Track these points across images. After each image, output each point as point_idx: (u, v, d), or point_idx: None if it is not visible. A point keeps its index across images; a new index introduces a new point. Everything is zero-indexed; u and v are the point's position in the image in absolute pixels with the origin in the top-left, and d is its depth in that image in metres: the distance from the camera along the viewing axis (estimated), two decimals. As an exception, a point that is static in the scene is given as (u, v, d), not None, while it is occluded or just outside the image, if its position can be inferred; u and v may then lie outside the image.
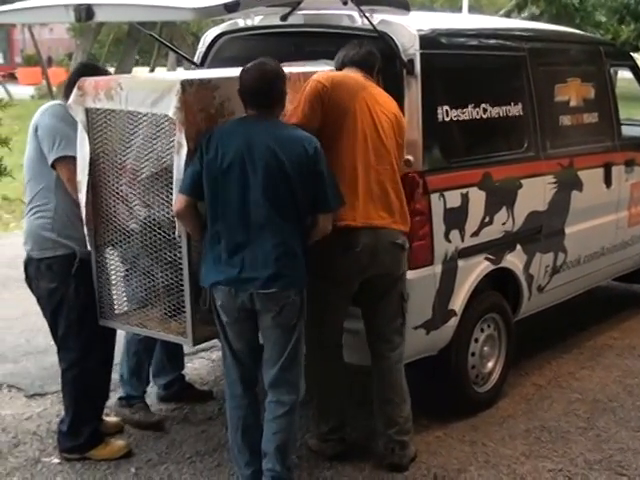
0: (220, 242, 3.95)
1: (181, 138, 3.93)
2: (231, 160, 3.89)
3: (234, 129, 3.97)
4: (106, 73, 4.73)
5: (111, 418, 5.01)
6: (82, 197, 4.32)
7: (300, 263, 3.98)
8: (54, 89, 29.51)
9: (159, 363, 5.28)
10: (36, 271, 4.53)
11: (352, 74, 4.41)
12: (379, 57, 4.51)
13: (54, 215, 4.43)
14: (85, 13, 4.03)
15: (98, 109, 4.24)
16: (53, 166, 4.40)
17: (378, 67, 4.51)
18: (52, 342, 6.33)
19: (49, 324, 4.63)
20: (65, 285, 4.45)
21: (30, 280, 4.61)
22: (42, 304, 4.61)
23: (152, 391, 5.39)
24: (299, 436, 4.51)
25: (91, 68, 4.62)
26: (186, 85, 3.93)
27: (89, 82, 4.27)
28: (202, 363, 6.05)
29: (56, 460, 4.64)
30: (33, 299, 7.50)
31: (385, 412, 4.51)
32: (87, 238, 4.37)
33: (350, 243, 4.26)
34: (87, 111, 4.26)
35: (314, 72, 4.45)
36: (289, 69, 4.37)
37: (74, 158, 4.34)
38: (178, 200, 3.98)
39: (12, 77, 37.74)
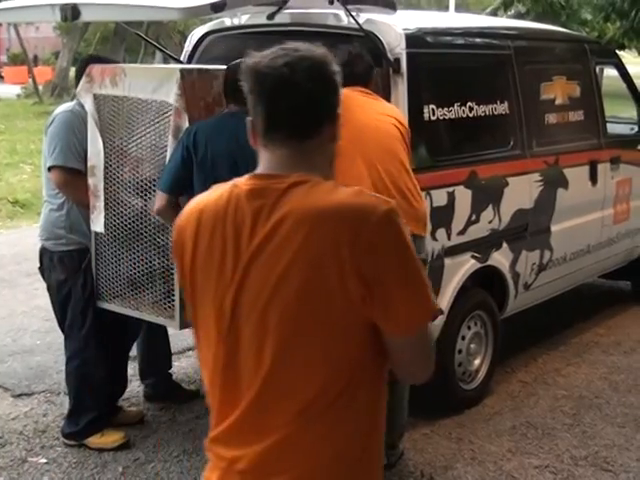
0: None
1: (181, 123, 4.01)
2: (222, 157, 3.90)
3: (222, 126, 3.97)
4: (115, 63, 4.89)
5: (132, 408, 5.16)
6: (98, 182, 4.40)
7: None
8: (40, 88, 29.45)
9: (146, 362, 5.29)
10: (49, 262, 4.69)
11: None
12: (369, 60, 4.37)
13: (67, 212, 4.59)
14: (71, 13, 4.05)
15: (105, 95, 4.31)
16: (49, 170, 4.55)
17: (373, 71, 4.39)
18: (38, 342, 6.40)
19: (56, 314, 4.79)
20: (74, 278, 4.61)
21: (43, 270, 4.77)
22: (51, 294, 4.77)
23: (139, 390, 5.40)
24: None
25: (97, 60, 4.73)
26: (185, 73, 4.02)
27: (97, 69, 4.39)
28: (189, 362, 6.04)
29: (43, 460, 4.64)
30: (19, 299, 7.54)
31: (389, 418, 4.47)
32: (99, 222, 4.43)
33: None
34: (95, 97, 4.33)
35: None
36: None
37: (67, 169, 4.49)
38: (158, 198, 4.01)
39: (-2, 76, 37.61)
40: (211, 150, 3.90)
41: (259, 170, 1.98)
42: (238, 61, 4.04)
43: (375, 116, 4.22)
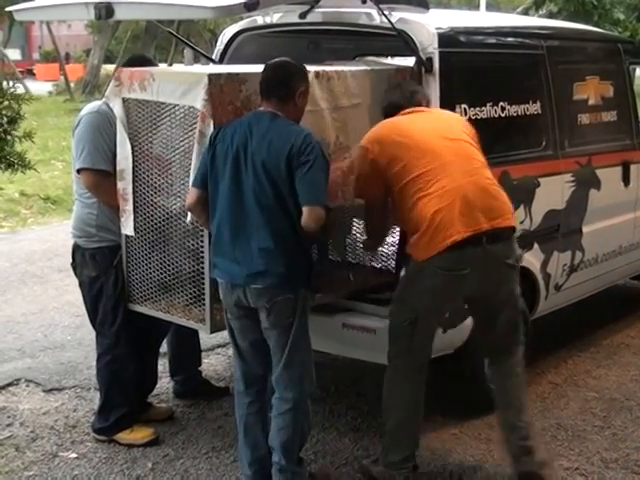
0: (220, 233, 3.95)
1: (205, 128, 3.98)
2: (231, 155, 3.89)
3: (240, 124, 3.96)
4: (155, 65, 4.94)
5: (161, 405, 5.21)
6: (127, 186, 4.42)
7: (293, 261, 3.89)
8: (72, 85, 29.65)
9: (176, 359, 5.31)
10: (81, 259, 4.72)
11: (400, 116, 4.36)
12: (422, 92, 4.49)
13: (97, 211, 4.62)
14: (105, 11, 4.07)
15: (133, 99, 4.32)
16: (78, 172, 4.59)
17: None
18: (69, 337, 6.46)
19: (88, 310, 4.81)
20: (106, 275, 4.63)
21: (75, 266, 4.80)
22: (83, 291, 4.80)
23: (169, 387, 5.43)
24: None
25: (143, 60, 4.76)
26: (213, 78, 3.99)
27: (125, 72, 4.38)
28: (218, 359, 6.07)
29: (73, 455, 4.68)
30: (50, 295, 7.61)
31: (506, 418, 4.41)
32: (129, 225, 4.45)
33: None
34: (124, 101, 4.35)
35: (349, 70, 4.48)
36: (322, 67, 4.40)
37: (95, 171, 4.52)
38: (190, 193, 4.03)
39: (30, 73, 37.89)
40: (220, 147, 3.91)
41: None
42: (275, 60, 4.04)
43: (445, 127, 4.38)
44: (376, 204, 4.31)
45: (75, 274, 4.83)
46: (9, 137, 4.72)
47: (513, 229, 4.25)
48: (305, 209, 3.79)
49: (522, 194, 5.17)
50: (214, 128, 3.98)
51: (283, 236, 3.86)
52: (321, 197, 3.83)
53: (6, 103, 4.69)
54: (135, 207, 4.42)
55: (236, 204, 3.89)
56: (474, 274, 4.11)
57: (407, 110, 4.36)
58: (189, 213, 4.12)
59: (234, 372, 4.28)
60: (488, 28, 5.57)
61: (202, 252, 4.21)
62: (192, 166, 4.07)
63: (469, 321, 4.83)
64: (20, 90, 5.25)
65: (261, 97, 4.01)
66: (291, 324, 3.94)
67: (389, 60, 5.11)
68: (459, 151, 4.22)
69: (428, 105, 4.52)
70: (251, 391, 4.18)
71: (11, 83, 4.84)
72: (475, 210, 4.08)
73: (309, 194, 3.81)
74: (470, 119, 4.81)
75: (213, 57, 5.57)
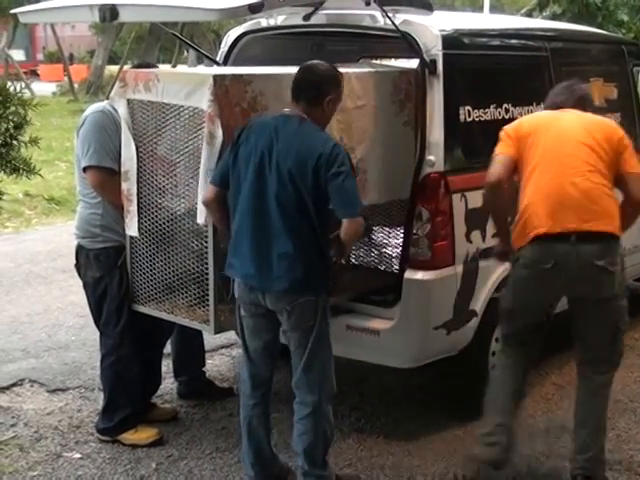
0: (240, 235, 3.94)
1: (214, 129, 3.99)
2: (255, 156, 3.87)
3: (266, 126, 3.92)
4: None
5: (165, 405, 5.22)
6: (131, 186, 4.43)
7: (312, 266, 3.88)
8: (76, 86, 29.69)
9: (180, 360, 5.32)
10: (85, 260, 4.73)
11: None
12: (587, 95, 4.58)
13: (102, 211, 4.63)
14: (110, 13, 4.08)
15: (138, 100, 4.33)
16: (84, 170, 4.59)
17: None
18: (73, 338, 6.47)
19: (92, 311, 4.83)
20: (110, 276, 4.64)
21: (79, 267, 4.81)
22: (87, 291, 4.81)
23: (173, 387, 5.44)
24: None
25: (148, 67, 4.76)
26: (218, 79, 4.00)
27: (130, 73, 4.42)
28: (222, 360, 6.08)
29: (77, 455, 4.69)
30: (54, 295, 7.62)
31: (580, 435, 4.37)
32: (133, 226, 4.47)
33: None
34: (128, 102, 4.36)
35: (353, 72, 4.49)
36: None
37: (102, 169, 4.53)
38: (208, 190, 4.03)
39: (34, 74, 37.93)
40: (250, 146, 3.88)
41: None
42: (312, 62, 4.02)
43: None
44: (499, 186, 4.27)
45: (79, 275, 4.83)
46: (15, 142, 4.71)
47: (611, 235, 4.17)
48: (346, 221, 3.80)
49: (526, 196, 5.16)
50: (223, 129, 3.98)
51: (302, 240, 3.85)
52: (360, 207, 3.87)
53: (13, 108, 4.68)
54: (139, 208, 4.43)
55: (258, 207, 3.87)
56: (559, 270, 4.12)
57: (563, 110, 4.40)
58: (202, 213, 4.12)
59: (241, 374, 4.28)
60: (492, 30, 5.58)
61: (206, 253, 4.22)
62: (202, 167, 4.07)
63: (472, 323, 4.85)
64: (27, 95, 5.24)
65: (291, 98, 3.96)
66: (312, 327, 3.93)
67: (393, 62, 5.13)
68: (575, 153, 4.18)
69: (592, 112, 4.47)
70: (257, 393, 4.18)
71: (18, 88, 4.83)
72: (566, 210, 4.09)
73: (349, 206, 3.82)
74: (474, 121, 4.83)
75: (217, 59, 5.58)
